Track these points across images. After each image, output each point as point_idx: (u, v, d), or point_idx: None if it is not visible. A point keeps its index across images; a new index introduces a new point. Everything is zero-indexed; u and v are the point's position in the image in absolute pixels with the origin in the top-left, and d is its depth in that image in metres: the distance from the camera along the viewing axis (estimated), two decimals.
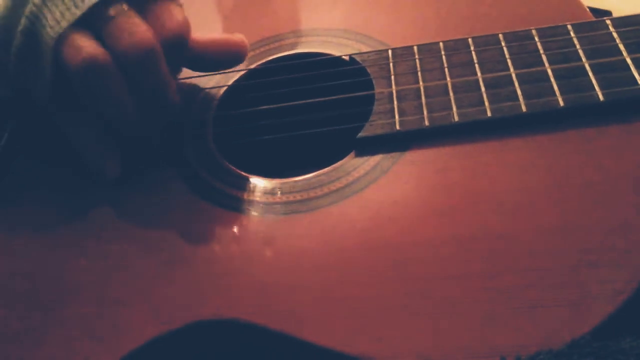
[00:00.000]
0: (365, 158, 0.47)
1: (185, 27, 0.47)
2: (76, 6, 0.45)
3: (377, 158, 0.47)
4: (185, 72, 0.54)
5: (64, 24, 0.45)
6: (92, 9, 0.45)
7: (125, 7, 0.45)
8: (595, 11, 0.54)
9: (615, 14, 0.52)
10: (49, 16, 0.45)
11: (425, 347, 0.37)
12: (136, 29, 0.44)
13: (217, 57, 0.52)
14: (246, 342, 0.41)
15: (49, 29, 0.45)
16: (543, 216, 0.41)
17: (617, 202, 0.41)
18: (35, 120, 0.53)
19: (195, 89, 0.55)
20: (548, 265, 0.39)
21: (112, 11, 0.45)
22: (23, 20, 0.46)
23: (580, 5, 0.53)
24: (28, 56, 0.47)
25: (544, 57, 0.48)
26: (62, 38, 0.45)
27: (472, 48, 0.50)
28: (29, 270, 0.46)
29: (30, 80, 0.48)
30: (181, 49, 0.47)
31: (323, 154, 0.49)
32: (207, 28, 0.57)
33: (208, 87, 0.55)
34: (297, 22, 0.59)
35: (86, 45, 0.45)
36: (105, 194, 0.49)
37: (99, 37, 0.45)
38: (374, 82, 0.51)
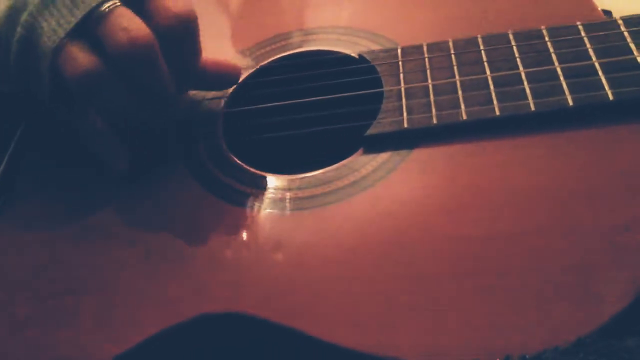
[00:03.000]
0: (373, 155, 0.47)
1: (191, 13, 0.46)
2: (72, 14, 0.45)
3: (385, 156, 0.47)
4: None
5: (61, 33, 0.45)
6: (87, 15, 0.45)
7: (117, 2, 0.45)
8: None
9: (615, 14, 0.51)
10: (45, 25, 0.45)
11: (427, 344, 0.37)
12: (130, 24, 0.44)
13: (214, 77, 0.52)
14: (251, 335, 0.42)
15: (45, 39, 0.45)
16: (550, 215, 0.41)
17: (626, 202, 0.40)
18: (43, 116, 0.54)
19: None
20: (555, 264, 0.38)
21: (105, 9, 0.45)
22: (19, 29, 0.46)
23: (592, 5, 0.52)
24: (25, 63, 0.47)
25: (553, 56, 0.48)
26: (58, 49, 0.45)
27: (481, 47, 0.50)
28: (41, 263, 0.47)
29: (30, 84, 0.49)
30: (188, 37, 0.47)
31: (331, 151, 0.49)
32: (215, 27, 0.57)
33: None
34: (306, 20, 0.60)
35: (82, 57, 0.45)
36: (116, 189, 0.50)
37: (96, 39, 0.45)
38: (382, 80, 0.51)
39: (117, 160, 0.50)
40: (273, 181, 0.47)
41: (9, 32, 0.47)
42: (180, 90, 0.50)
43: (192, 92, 0.55)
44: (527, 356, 0.36)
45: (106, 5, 0.45)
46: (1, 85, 0.52)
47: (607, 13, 0.53)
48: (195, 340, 0.42)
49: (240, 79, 0.55)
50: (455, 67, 0.50)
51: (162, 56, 0.45)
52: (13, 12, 0.47)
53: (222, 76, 0.51)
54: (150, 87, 0.46)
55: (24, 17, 0.46)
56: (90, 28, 0.45)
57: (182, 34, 0.46)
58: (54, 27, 0.45)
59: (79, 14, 0.45)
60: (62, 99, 0.49)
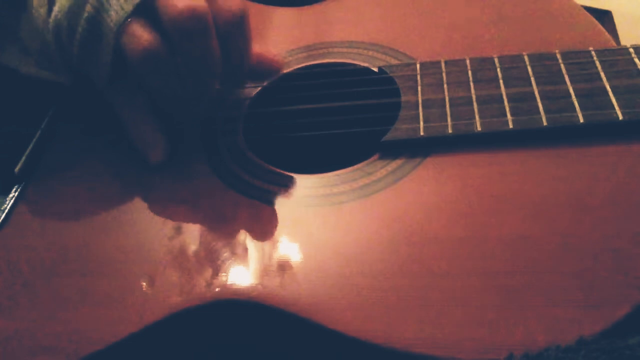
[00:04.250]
0: (388, 160, 0.48)
1: (243, 8, 0.48)
2: None
3: (400, 161, 0.48)
4: None
5: (126, 11, 0.47)
6: None
7: None
8: (595, 11, 0.56)
9: (615, 14, 0.53)
10: (113, 2, 0.47)
11: (435, 338, 0.38)
12: None
13: (257, 69, 0.54)
14: (262, 324, 0.43)
15: (111, 17, 0.47)
16: (558, 222, 0.42)
17: (632, 214, 0.42)
18: (79, 103, 0.56)
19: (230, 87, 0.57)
20: (561, 268, 0.40)
21: None
22: (88, 7, 0.48)
23: (603, 32, 0.55)
24: (91, 43, 0.49)
25: (566, 77, 0.50)
26: (122, 27, 0.47)
27: (497, 65, 0.52)
28: (61, 244, 0.48)
29: (91, 65, 0.50)
30: (239, 30, 0.48)
31: (348, 156, 0.50)
32: None
33: (243, 86, 0.57)
34: (328, 34, 0.62)
35: (144, 35, 0.47)
36: (138, 178, 0.51)
37: (155, 16, 0.47)
38: (401, 91, 0.53)
39: (155, 150, 0.51)
40: (291, 179, 0.49)
41: (78, 12, 0.48)
42: (234, 83, 0.51)
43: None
44: (530, 354, 0.36)
45: None
46: (52, 70, 0.53)
47: (607, 13, 0.55)
48: (206, 328, 0.43)
49: (264, 83, 0.57)
50: (471, 83, 0.51)
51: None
52: None
53: (263, 68, 0.53)
54: (203, 61, 0.47)
55: None
56: (150, 4, 0.47)
57: (236, 27, 0.48)
58: (122, 4, 0.47)
59: None
60: (118, 82, 0.51)
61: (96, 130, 0.56)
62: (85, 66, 0.51)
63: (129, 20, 0.47)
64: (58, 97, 0.58)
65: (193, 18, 0.46)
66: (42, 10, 0.50)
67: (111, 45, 0.48)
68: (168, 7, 0.46)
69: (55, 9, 0.50)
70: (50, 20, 0.50)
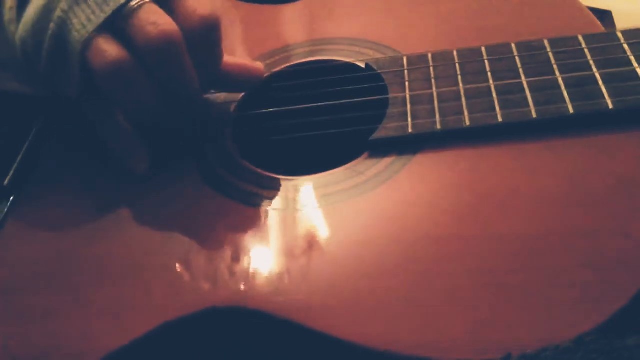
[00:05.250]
0: (378, 159, 0.48)
1: (215, 17, 0.48)
2: (101, 10, 0.46)
3: (390, 159, 0.48)
4: None
5: (90, 27, 0.46)
6: (117, 10, 0.46)
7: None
8: (595, 11, 0.56)
9: (615, 14, 0.53)
10: (75, 21, 0.47)
11: (429, 340, 0.38)
12: (159, 19, 0.46)
13: (237, 78, 0.53)
14: (257, 331, 0.42)
15: (75, 33, 0.47)
16: (553, 218, 0.41)
17: (625, 207, 0.41)
18: (66, 114, 0.55)
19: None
20: (556, 264, 0.39)
21: (134, 5, 0.46)
22: (52, 25, 0.48)
23: (592, 19, 0.54)
24: (57, 59, 0.49)
25: (555, 67, 0.49)
26: (88, 42, 0.46)
27: (485, 57, 0.52)
28: (52, 255, 0.48)
29: (61, 81, 0.50)
30: (211, 41, 0.48)
31: (337, 155, 0.50)
32: (225, 35, 0.59)
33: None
34: (313, 32, 0.61)
35: (110, 50, 0.46)
36: (127, 187, 0.51)
37: (124, 34, 0.47)
38: (388, 87, 0.52)
39: (138, 162, 0.51)
40: (280, 181, 0.49)
41: (43, 30, 0.48)
42: (204, 91, 0.51)
43: (207, 96, 0.56)
44: (528, 354, 0.36)
45: (135, 1, 0.46)
46: (30, 85, 0.53)
47: (607, 13, 0.55)
48: (201, 335, 0.43)
49: None
50: (459, 76, 0.51)
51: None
52: (46, 10, 0.48)
53: (245, 78, 0.53)
54: (177, 82, 0.47)
55: (57, 13, 0.47)
56: (120, 24, 0.47)
57: (206, 37, 0.48)
58: (84, 22, 0.46)
59: (109, 9, 0.46)
60: (91, 97, 0.50)
61: (85, 140, 0.55)
62: (56, 82, 0.50)
63: (95, 35, 0.46)
64: (45, 108, 0.57)
65: (167, 44, 0.45)
66: (13, 27, 0.50)
67: (77, 61, 0.47)
68: (140, 32, 0.46)
69: (20, 26, 0.49)
70: (17, 38, 0.50)
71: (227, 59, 0.52)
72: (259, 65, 0.54)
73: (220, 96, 0.56)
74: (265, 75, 0.57)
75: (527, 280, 0.39)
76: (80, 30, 0.47)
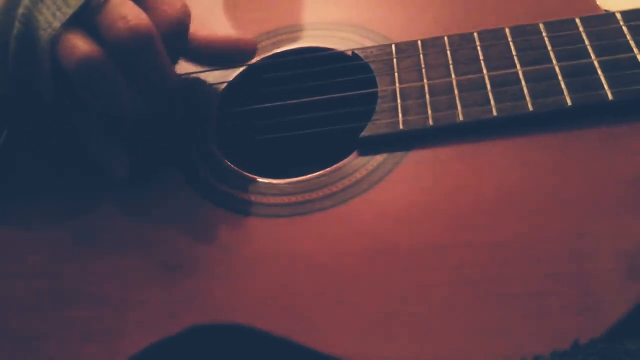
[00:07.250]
0: (368, 158, 0.46)
1: (185, 13, 0.46)
2: (67, 4, 0.44)
3: (380, 158, 0.46)
4: (183, 68, 0.53)
5: (56, 24, 0.44)
6: (84, 4, 0.44)
7: None
8: None
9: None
10: (40, 18, 0.44)
11: (424, 353, 0.37)
12: (129, 12, 0.43)
13: (223, 51, 0.51)
14: (244, 346, 0.41)
15: (42, 31, 0.44)
16: (552, 219, 0.40)
17: (627, 206, 0.40)
18: (40, 117, 0.53)
19: (194, 85, 0.54)
20: (555, 270, 0.38)
21: None
22: (16, 24, 0.45)
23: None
24: (25, 59, 0.46)
25: (551, 54, 0.47)
26: (56, 39, 0.44)
27: (477, 43, 0.49)
28: (31, 272, 0.46)
29: (31, 80, 0.48)
30: (181, 36, 0.46)
31: (326, 152, 0.48)
32: (207, 22, 0.56)
33: (207, 83, 0.54)
34: (298, 16, 0.58)
35: (80, 44, 0.44)
36: (109, 195, 0.49)
37: (94, 28, 0.44)
38: (377, 79, 0.49)
39: (118, 166, 0.49)
40: (265, 185, 0.46)
41: (7, 29, 0.46)
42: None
43: (191, 77, 0.54)
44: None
45: None
46: (2, 87, 0.50)
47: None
48: (188, 351, 0.42)
49: (230, 78, 0.54)
50: (451, 66, 0.48)
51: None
52: (9, 8, 0.45)
53: (236, 51, 0.51)
54: (151, 76, 0.45)
55: (20, 11, 0.45)
56: (88, 17, 0.44)
57: (177, 24, 0.46)
58: (49, 18, 0.44)
59: (75, 3, 0.44)
60: (65, 96, 0.48)
61: (57, 150, 0.52)
62: (25, 81, 0.48)
63: (63, 31, 0.44)
64: (8, 119, 0.54)
65: (138, 39, 0.43)
66: None
67: (47, 58, 0.45)
68: (110, 28, 0.43)
69: None
70: None
71: (216, 34, 0.50)
72: (250, 39, 0.51)
73: (200, 91, 0.54)
74: (246, 66, 0.54)
75: (525, 288, 0.38)
76: (46, 28, 0.44)
